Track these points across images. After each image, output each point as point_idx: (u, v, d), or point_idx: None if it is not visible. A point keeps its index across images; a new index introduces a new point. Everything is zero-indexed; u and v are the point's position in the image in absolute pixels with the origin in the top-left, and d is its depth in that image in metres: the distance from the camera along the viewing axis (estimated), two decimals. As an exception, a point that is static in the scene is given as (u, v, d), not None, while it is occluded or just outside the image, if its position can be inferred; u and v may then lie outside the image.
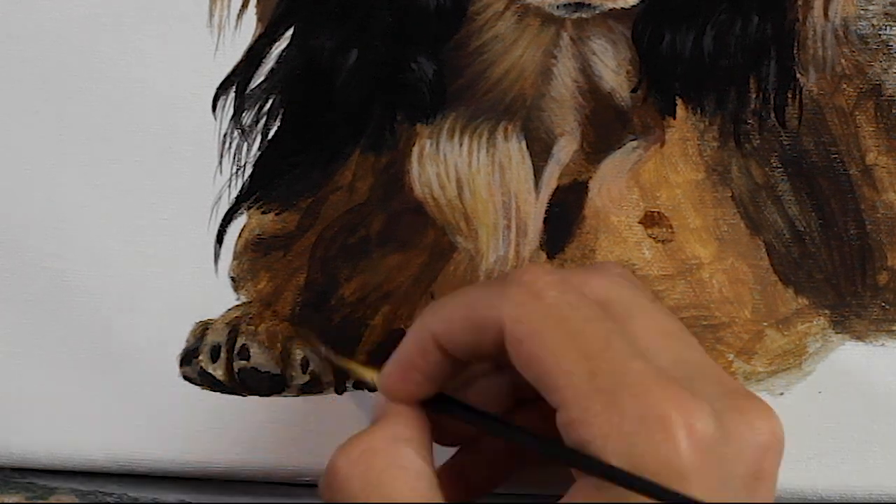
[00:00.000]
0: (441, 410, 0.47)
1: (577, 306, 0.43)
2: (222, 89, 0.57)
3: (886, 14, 0.57)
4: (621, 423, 0.40)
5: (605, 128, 0.58)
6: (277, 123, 0.58)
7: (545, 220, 0.58)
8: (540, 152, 0.57)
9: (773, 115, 0.57)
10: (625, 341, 0.42)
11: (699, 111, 0.57)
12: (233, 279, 0.58)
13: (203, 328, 0.58)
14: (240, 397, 0.58)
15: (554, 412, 0.43)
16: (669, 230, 0.58)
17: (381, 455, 0.44)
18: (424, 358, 0.46)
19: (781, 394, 0.58)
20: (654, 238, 0.58)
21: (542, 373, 0.42)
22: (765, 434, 0.43)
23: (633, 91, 0.57)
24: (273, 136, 0.58)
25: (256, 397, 0.58)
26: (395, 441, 0.44)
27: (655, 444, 0.40)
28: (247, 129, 0.57)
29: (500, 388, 0.49)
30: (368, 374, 0.53)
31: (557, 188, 0.58)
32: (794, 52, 0.57)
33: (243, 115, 0.57)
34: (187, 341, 0.58)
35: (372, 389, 0.53)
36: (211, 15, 0.57)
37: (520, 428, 0.47)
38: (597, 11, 0.56)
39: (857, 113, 0.58)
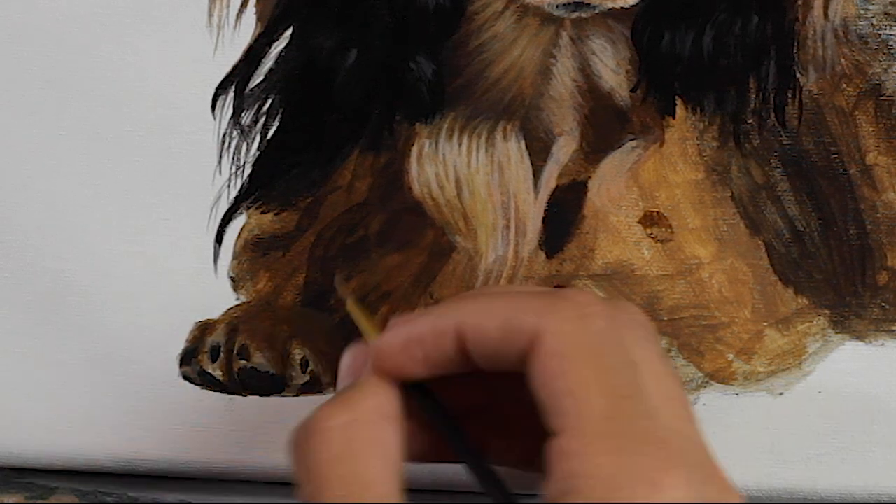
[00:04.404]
0: (416, 398, 0.44)
1: (618, 346, 0.42)
2: (221, 89, 0.57)
3: (886, 14, 0.57)
4: (616, 474, 0.40)
5: (605, 127, 0.57)
6: (276, 123, 0.58)
7: (544, 220, 0.58)
8: (539, 152, 0.57)
9: (772, 114, 0.57)
10: (643, 396, 0.42)
11: (699, 111, 0.57)
12: (232, 279, 0.58)
13: (203, 328, 0.58)
14: (240, 397, 0.58)
15: (506, 435, 0.43)
16: (669, 230, 0.58)
17: (367, 429, 0.42)
18: (436, 341, 0.44)
19: (781, 394, 0.58)
20: (653, 238, 0.58)
21: (560, 393, 0.41)
22: None
23: (633, 90, 0.57)
24: (272, 136, 0.58)
25: (256, 397, 0.58)
26: (381, 417, 0.43)
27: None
28: (246, 128, 0.57)
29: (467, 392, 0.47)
30: (372, 335, 0.48)
31: (556, 188, 0.58)
32: (794, 51, 0.57)
33: (242, 114, 0.57)
34: (187, 341, 0.58)
35: None
36: (210, 14, 0.57)
37: (478, 457, 0.45)
38: (596, 11, 0.56)
39: (856, 113, 0.57)
